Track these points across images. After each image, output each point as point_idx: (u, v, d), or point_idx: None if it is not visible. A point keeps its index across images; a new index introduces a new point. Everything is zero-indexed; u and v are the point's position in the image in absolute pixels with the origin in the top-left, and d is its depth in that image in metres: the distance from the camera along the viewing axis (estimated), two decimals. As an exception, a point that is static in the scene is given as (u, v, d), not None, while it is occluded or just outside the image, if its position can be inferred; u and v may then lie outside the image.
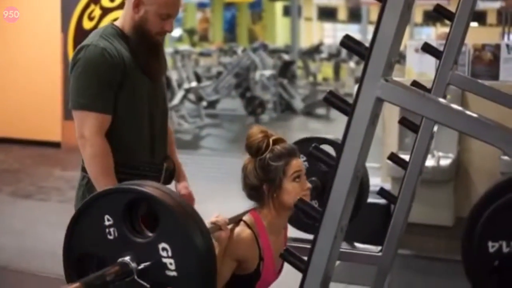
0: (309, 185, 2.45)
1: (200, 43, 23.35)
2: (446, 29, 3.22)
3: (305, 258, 1.83)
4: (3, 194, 7.09)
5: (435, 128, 3.05)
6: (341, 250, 1.92)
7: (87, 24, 9.28)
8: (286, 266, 1.96)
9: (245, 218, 2.41)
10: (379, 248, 3.05)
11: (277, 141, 2.40)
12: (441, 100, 1.84)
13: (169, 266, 1.79)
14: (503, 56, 4.65)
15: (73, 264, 1.91)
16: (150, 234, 1.82)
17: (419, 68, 4.88)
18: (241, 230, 2.35)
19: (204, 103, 12.90)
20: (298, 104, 13.85)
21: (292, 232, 3.56)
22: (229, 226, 2.36)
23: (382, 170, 4.99)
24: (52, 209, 6.57)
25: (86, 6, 9.26)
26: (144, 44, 2.75)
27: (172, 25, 2.76)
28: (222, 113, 13.73)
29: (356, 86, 1.80)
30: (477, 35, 7.77)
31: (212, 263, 1.82)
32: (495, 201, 1.56)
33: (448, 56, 2.99)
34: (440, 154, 4.57)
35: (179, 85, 12.57)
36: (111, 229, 1.83)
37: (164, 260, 1.80)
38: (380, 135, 5.01)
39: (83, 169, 2.74)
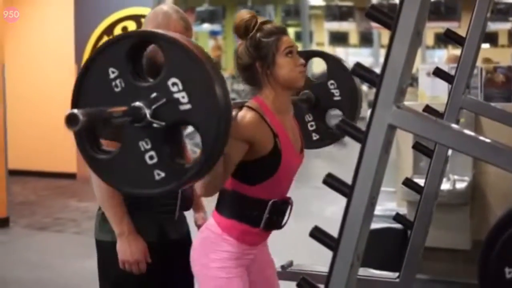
0: (302, 60, 2.43)
1: (212, 71, 23.39)
2: (456, 52, 3.23)
3: (322, 286, 1.83)
4: (19, 226, 7.11)
5: (449, 152, 3.04)
6: (358, 277, 1.91)
7: (100, 55, 9.34)
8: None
9: (247, 104, 2.39)
10: (397, 274, 3.04)
11: (265, 22, 2.40)
12: (454, 125, 1.84)
13: (182, 100, 1.76)
14: (516, 78, 4.64)
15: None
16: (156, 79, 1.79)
17: (432, 91, 4.87)
18: (244, 113, 2.33)
19: (218, 130, 12.88)
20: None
21: (309, 259, 3.54)
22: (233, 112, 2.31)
23: (397, 194, 4.96)
24: (68, 241, 6.56)
25: (100, 38, 9.33)
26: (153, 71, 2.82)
27: None
28: (236, 140, 13.67)
29: (369, 111, 1.80)
30: (488, 56, 7.76)
31: (224, 88, 1.78)
32: (511, 227, 1.55)
33: (460, 81, 2.99)
34: (456, 177, 4.54)
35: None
36: (117, 81, 1.80)
37: (176, 95, 1.76)
38: (395, 159, 4.99)
39: None
